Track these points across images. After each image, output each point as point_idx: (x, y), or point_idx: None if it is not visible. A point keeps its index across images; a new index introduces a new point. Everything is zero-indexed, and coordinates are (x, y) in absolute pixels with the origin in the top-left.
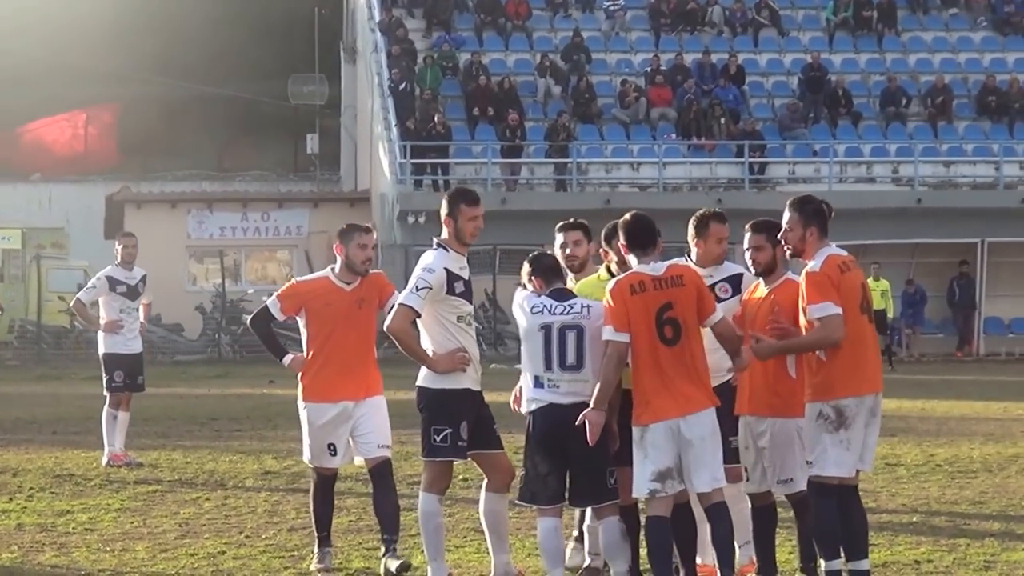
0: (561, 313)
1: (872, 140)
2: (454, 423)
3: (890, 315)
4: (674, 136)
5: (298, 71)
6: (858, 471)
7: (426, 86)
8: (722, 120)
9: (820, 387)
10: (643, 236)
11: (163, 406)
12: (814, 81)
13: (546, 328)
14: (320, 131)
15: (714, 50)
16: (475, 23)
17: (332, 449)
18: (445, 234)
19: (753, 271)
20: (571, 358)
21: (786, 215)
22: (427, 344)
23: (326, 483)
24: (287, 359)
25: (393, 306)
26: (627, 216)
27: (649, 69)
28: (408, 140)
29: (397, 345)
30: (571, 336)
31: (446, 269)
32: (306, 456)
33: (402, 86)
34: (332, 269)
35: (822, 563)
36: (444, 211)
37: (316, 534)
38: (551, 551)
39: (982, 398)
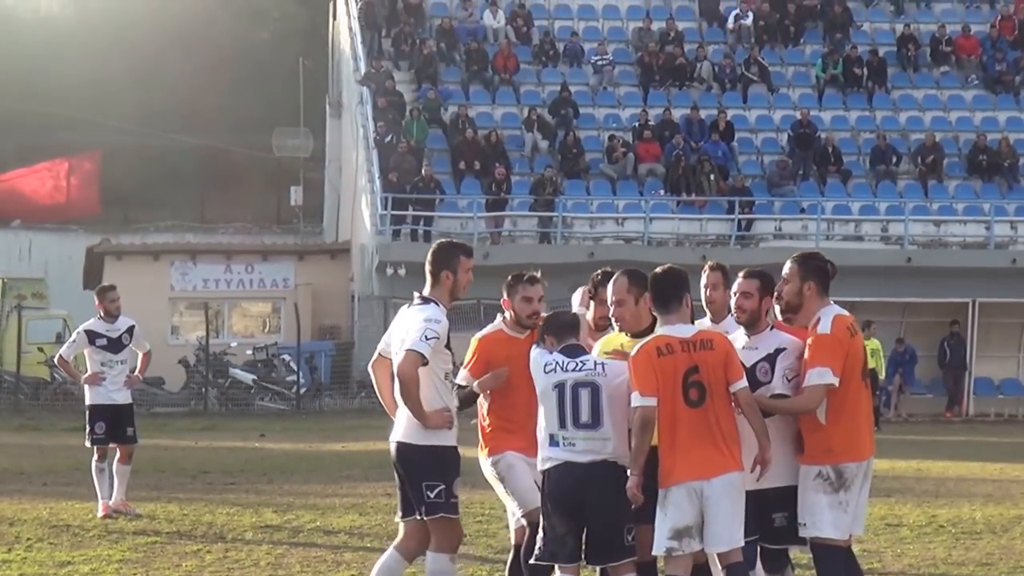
0: (574, 370)
1: (861, 198)
2: (447, 479)
3: (881, 376)
4: (662, 192)
5: (282, 123)
6: (851, 535)
7: (412, 138)
8: (711, 176)
9: (820, 449)
10: (666, 293)
11: (149, 457)
12: (803, 138)
13: (560, 386)
14: (304, 183)
15: (703, 106)
16: (462, 76)
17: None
18: (434, 289)
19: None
20: (585, 416)
21: (787, 267)
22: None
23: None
24: (475, 384)
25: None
26: (656, 270)
27: (637, 124)
28: (391, 192)
29: (384, 391)
30: (584, 394)
31: (446, 321)
32: (516, 509)
33: (388, 138)
34: (504, 320)
35: None
36: (439, 264)
37: None
38: None
39: (977, 459)
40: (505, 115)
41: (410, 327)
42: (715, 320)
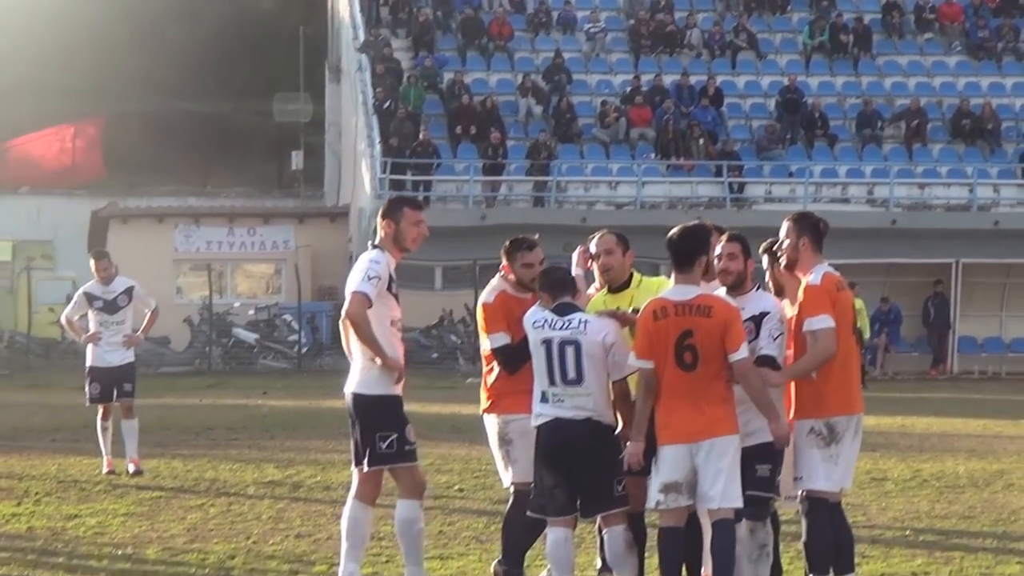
0: (560, 328)
1: (847, 162)
2: (399, 428)
3: (866, 335)
4: (653, 156)
5: (282, 89)
6: (840, 488)
7: (410, 104)
8: (700, 141)
9: (811, 404)
10: (680, 251)
11: (156, 416)
12: (790, 103)
13: (547, 343)
14: (304, 148)
15: (693, 72)
16: (458, 43)
17: None
18: (383, 239)
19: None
20: (571, 373)
21: (784, 227)
22: (359, 348)
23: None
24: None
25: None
26: (678, 227)
27: (629, 90)
28: (390, 157)
29: (354, 333)
30: (570, 351)
31: (388, 264)
32: (512, 477)
33: (386, 104)
34: (506, 281)
35: None
36: (381, 214)
37: (517, 572)
38: (560, 561)
39: (960, 415)
40: (500, 81)
41: (354, 272)
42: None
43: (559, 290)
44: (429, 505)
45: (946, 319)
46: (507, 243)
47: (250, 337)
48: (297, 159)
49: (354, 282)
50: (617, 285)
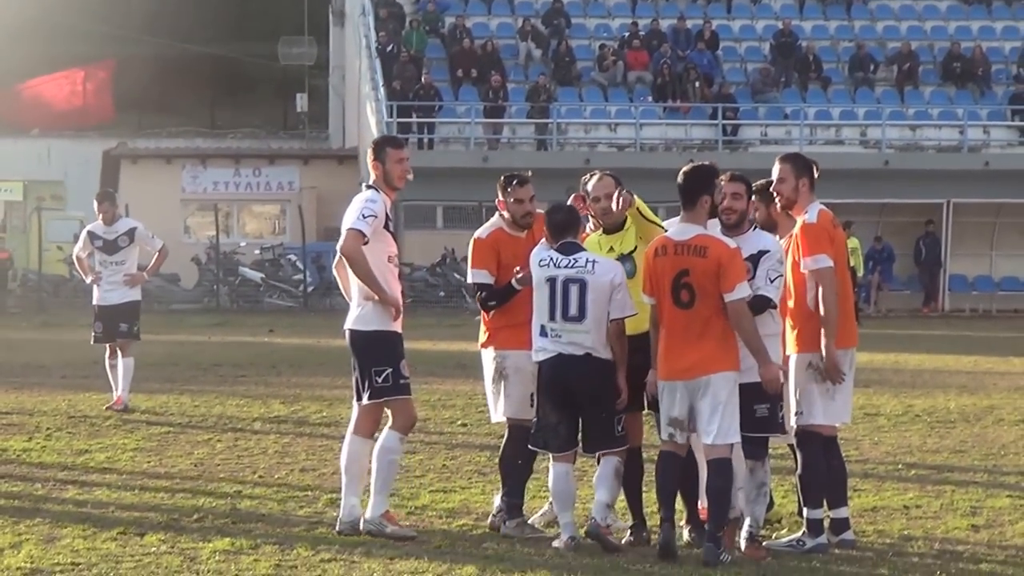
0: (566, 267)
1: (841, 104)
2: (394, 362)
3: (859, 273)
4: (650, 98)
5: (287, 33)
6: (839, 423)
7: (412, 48)
8: (696, 84)
9: (809, 339)
10: (685, 189)
11: (165, 352)
12: (784, 47)
13: (552, 281)
14: (309, 91)
15: (689, 16)
16: None
17: (533, 400)
18: (375, 180)
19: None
20: (573, 310)
21: (778, 167)
22: (356, 286)
23: (526, 439)
24: (514, 280)
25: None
26: (687, 166)
27: (626, 34)
28: (394, 100)
29: (345, 287)
30: (574, 289)
31: (385, 202)
32: (504, 411)
33: (389, 48)
34: (502, 219)
35: (805, 511)
36: (371, 156)
37: (517, 501)
38: (561, 495)
39: (952, 352)
40: (500, 25)
41: (350, 211)
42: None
43: (563, 229)
44: (433, 440)
45: (937, 258)
46: (501, 179)
47: (256, 276)
48: (302, 101)
49: (349, 220)
50: (611, 229)
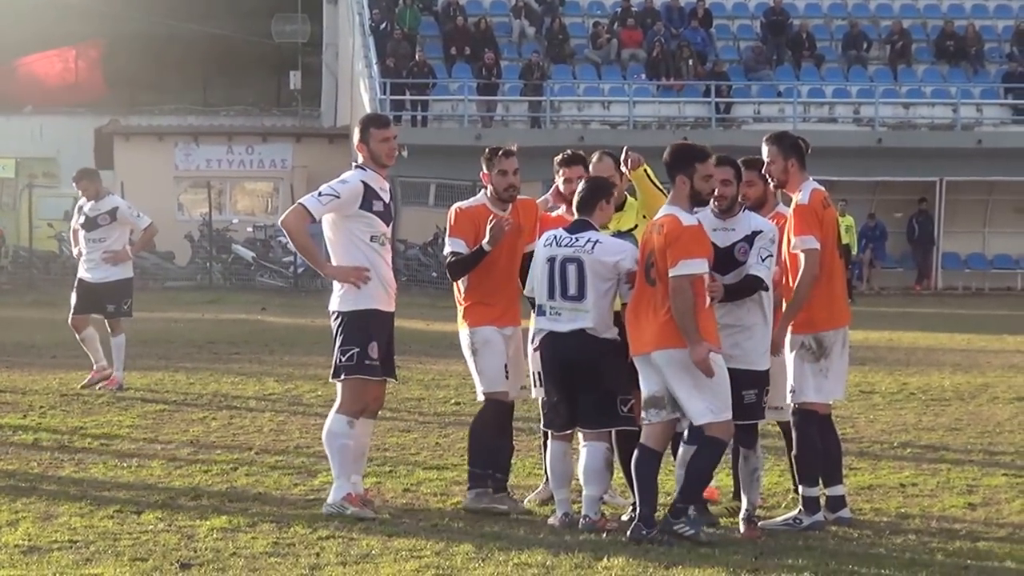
0: (567, 245)
1: (834, 82)
2: (362, 342)
3: (853, 251)
4: (643, 76)
5: (281, 10)
6: (831, 400)
7: (405, 26)
8: (690, 61)
9: (801, 320)
10: (666, 167)
11: (160, 329)
12: (775, 24)
13: (551, 260)
14: (302, 68)
15: None
16: None
17: (506, 371)
18: (362, 159)
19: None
20: (572, 289)
21: (765, 149)
22: (335, 261)
23: (503, 413)
24: (485, 245)
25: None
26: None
27: (620, 11)
28: (388, 78)
29: (289, 240)
30: (572, 268)
31: (364, 183)
32: (481, 386)
33: (382, 26)
34: (486, 195)
35: (800, 489)
36: (356, 138)
37: (478, 471)
38: (558, 473)
39: (945, 330)
40: (494, 3)
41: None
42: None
43: (580, 207)
44: (428, 419)
45: (930, 236)
46: (487, 151)
47: (247, 255)
48: (295, 79)
49: (306, 195)
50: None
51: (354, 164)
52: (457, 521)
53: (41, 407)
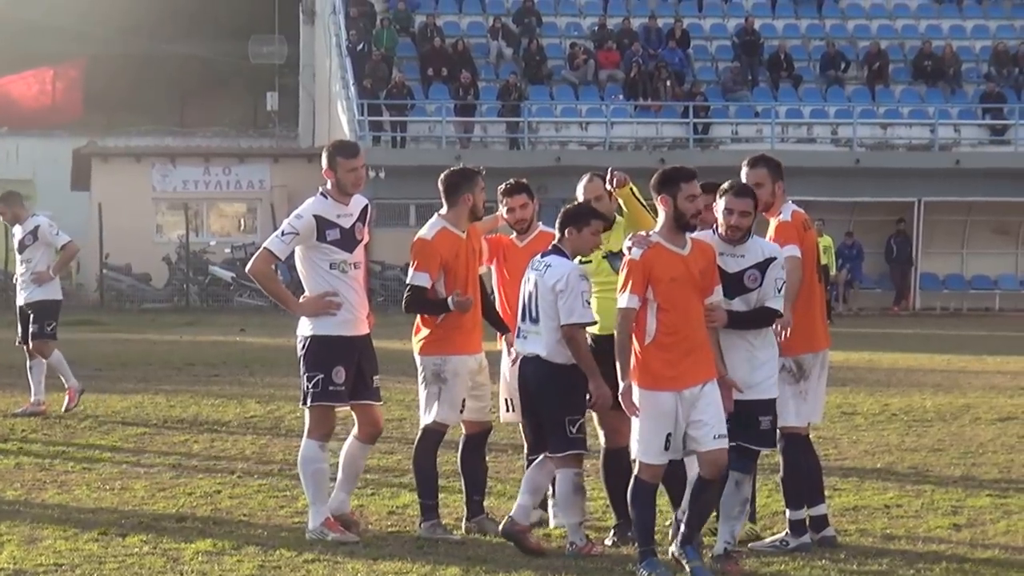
0: (535, 269)
1: (812, 103)
2: (326, 368)
3: (832, 272)
4: (621, 97)
5: (258, 31)
6: (808, 423)
7: (383, 47)
8: (667, 82)
9: (781, 343)
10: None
11: (138, 351)
12: (749, 45)
13: (526, 282)
14: (279, 89)
15: (660, 14)
16: None
17: (463, 405)
18: (329, 185)
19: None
20: (533, 312)
21: (752, 173)
22: (306, 289)
23: (439, 443)
24: (449, 302)
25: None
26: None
27: (596, 29)
28: (365, 99)
29: (259, 287)
30: (534, 291)
31: (316, 216)
32: (436, 414)
33: (359, 47)
34: (441, 217)
35: (788, 512)
36: (324, 164)
37: (430, 503)
38: (534, 490)
39: (925, 351)
40: (471, 24)
41: (284, 222)
42: None
43: (558, 229)
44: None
45: (908, 256)
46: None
47: (226, 275)
48: (272, 100)
49: (269, 237)
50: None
51: (319, 189)
52: (443, 544)
53: (23, 430)
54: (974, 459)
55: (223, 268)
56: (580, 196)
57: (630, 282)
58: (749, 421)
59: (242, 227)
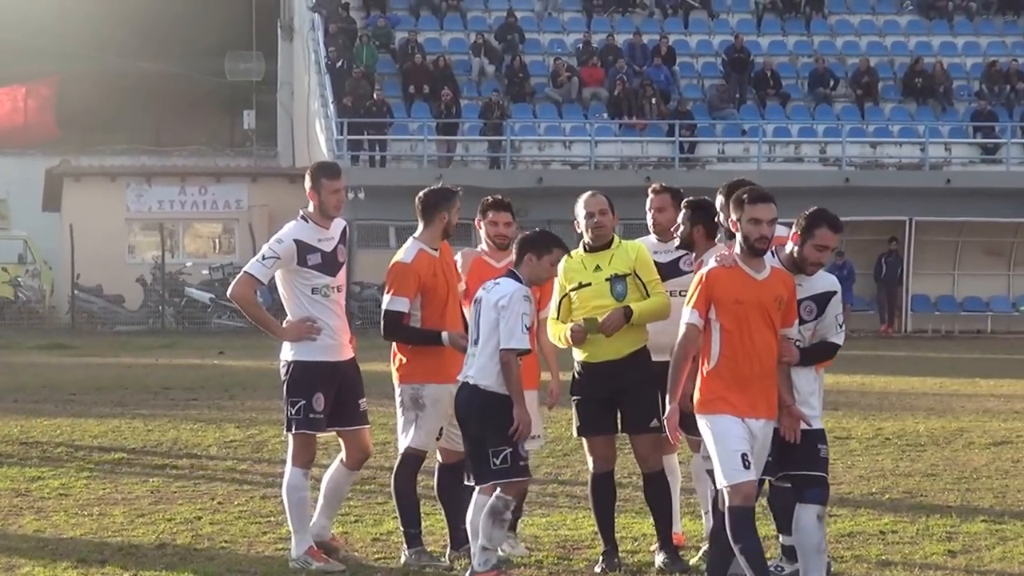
0: (485, 289)
1: (800, 121)
2: (307, 395)
3: None
4: (605, 115)
5: (235, 48)
6: None
7: (362, 64)
8: (653, 100)
9: None
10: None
11: (113, 376)
12: (737, 62)
13: (475, 303)
14: (257, 107)
15: (645, 31)
16: (410, 2)
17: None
18: (311, 207)
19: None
20: (475, 333)
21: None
22: (288, 313)
23: (419, 469)
24: (444, 337)
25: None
26: None
27: (580, 47)
28: (345, 117)
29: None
30: (479, 311)
31: (296, 241)
32: (412, 440)
33: (339, 64)
34: (416, 240)
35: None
36: (308, 185)
37: (413, 531)
38: (471, 525)
39: (917, 374)
40: (453, 41)
41: (264, 245)
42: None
43: (516, 254)
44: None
45: (899, 276)
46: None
47: (204, 296)
48: (249, 118)
49: (250, 261)
50: (598, 245)
51: (300, 212)
52: (431, 571)
53: None
54: (968, 484)
55: (200, 289)
56: (581, 211)
57: (692, 297)
58: (811, 449)
59: (219, 248)
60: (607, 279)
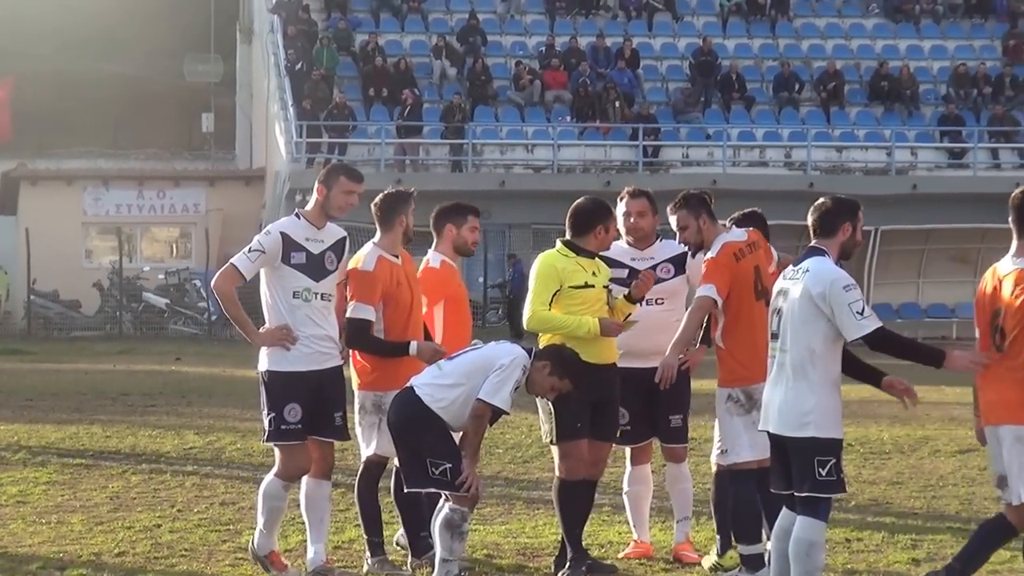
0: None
1: (765, 125)
2: (279, 406)
3: None
4: (568, 118)
5: (193, 50)
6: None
7: (322, 66)
8: (616, 103)
9: (729, 373)
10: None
11: (70, 381)
12: (705, 65)
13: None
14: (215, 110)
15: (609, 34)
16: (371, 4)
17: None
18: (311, 203)
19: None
20: (451, 361)
21: (675, 216)
22: (266, 317)
23: (379, 476)
24: (412, 347)
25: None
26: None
27: (543, 49)
28: (304, 120)
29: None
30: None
31: (283, 234)
32: (377, 447)
33: (298, 66)
34: (376, 245)
35: (740, 548)
36: (320, 177)
37: (376, 540)
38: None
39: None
40: (414, 43)
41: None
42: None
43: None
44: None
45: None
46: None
47: (160, 302)
48: (207, 121)
49: (237, 253)
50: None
51: (296, 211)
52: None
53: None
54: (935, 492)
55: (156, 294)
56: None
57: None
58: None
59: (176, 252)
60: (604, 286)
